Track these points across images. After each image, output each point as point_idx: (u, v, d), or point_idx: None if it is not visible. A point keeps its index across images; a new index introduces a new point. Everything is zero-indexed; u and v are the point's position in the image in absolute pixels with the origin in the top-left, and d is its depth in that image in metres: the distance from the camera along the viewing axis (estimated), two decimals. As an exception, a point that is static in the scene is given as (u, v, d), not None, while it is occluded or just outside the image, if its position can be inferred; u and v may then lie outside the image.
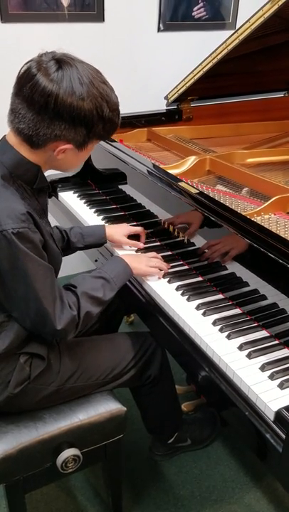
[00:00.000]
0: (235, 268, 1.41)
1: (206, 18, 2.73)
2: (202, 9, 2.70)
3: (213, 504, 1.70)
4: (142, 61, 2.67)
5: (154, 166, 1.73)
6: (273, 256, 1.19)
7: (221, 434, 1.91)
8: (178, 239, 1.63)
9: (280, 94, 2.44)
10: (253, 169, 1.81)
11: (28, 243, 1.13)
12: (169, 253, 1.64)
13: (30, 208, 1.16)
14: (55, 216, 2.19)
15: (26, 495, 1.37)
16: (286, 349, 1.21)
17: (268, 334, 1.26)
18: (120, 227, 1.69)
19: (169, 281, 1.48)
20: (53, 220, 2.12)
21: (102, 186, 2.12)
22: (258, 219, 1.44)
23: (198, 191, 1.51)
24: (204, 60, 1.95)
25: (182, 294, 1.42)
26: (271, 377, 1.12)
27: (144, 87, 2.67)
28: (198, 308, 1.36)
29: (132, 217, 1.88)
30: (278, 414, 1.05)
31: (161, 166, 1.75)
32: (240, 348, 1.21)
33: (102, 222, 1.84)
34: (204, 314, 1.34)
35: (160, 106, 2.27)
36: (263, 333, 1.26)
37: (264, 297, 1.32)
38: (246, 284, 1.37)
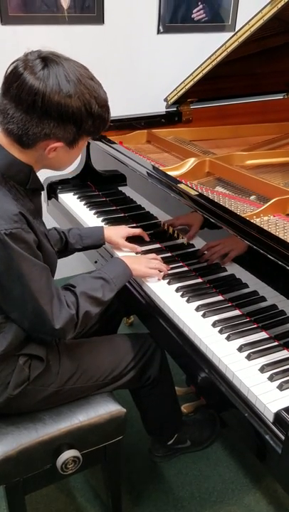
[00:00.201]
0: (234, 269, 1.41)
1: (206, 20, 2.74)
2: (201, 11, 2.71)
3: (213, 505, 1.70)
4: (142, 63, 2.68)
5: (154, 167, 1.74)
6: (273, 258, 1.19)
7: (220, 436, 1.92)
8: (178, 240, 1.63)
9: (280, 96, 2.44)
10: (252, 171, 1.81)
11: (22, 243, 1.13)
12: (169, 255, 1.64)
13: (24, 209, 1.16)
14: (55, 217, 2.20)
15: (26, 496, 1.37)
16: (285, 350, 1.21)
17: (268, 336, 1.26)
18: (119, 229, 1.69)
19: (168, 283, 1.49)
20: (52, 222, 2.13)
21: (102, 188, 2.12)
22: (257, 221, 1.44)
23: (197, 193, 1.51)
24: (204, 62, 1.96)
25: (182, 296, 1.43)
26: (270, 378, 1.13)
27: (143, 89, 2.67)
28: (197, 309, 1.37)
29: (131, 218, 1.88)
30: (277, 415, 1.05)
31: (161, 168, 1.76)
32: (240, 349, 1.21)
33: (102, 224, 1.85)
34: (204, 316, 1.34)
35: (160, 108, 2.27)
36: (263, 335, 1.26)
37: (263, 299, 1.32)
38: (246, 286, 1.38)
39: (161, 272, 1.50)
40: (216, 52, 1.89)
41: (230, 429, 1.86)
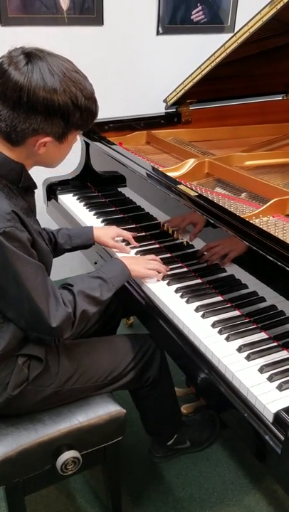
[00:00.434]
0: (234, 270, 1.41)
1: (205, 22, 2.74)
2: (201, 12, 2.71)
3: (213, 506, 1.70)
4: (141, 64, 2.68)
5: (154, 168, 1.74)
6: (272, 258, 1.19)
7: (220, 437, 1.91)
8: (177, 241, 1.64)
9: (279, 97, 2.45)
10: (251, 172, 1.82)
11: (16, 242, 1.13)
12: (168, 255, 1.64)
13: (17, 207, 1.16)
14: (55, 219, 2.20)
15: (26, 497, 1.37)
16: (285, 351, 1.21)
17: (267, 336, 1.26)
18: (108, 229, 1.70)
19: (168, 284, 1.49)
20: (52, 223, 2.13)
21: (101, 189, 2.13)
22: (256, 221, 1.44)
23: (197, 194, 1.51)
24: (203, 63, 1.96)
25: (181, 296, 1.43)
26: (270, 379, 1.13)
27: (143, 90, 2.68)
28: (197, 310, 1.37)
29: (131, 219, 1.88)
30: (277, 415, 1.05)
31: (161, 169, 1.76)
32: (240, 350, 1.21)
33: (102, 225, 1.85)
34: (203, 316, 1.34)
35: (159, 109, 2.28)
36: (262, 335, 1.27)
37: (263, 299, 1.33)
38: (245, 286, 1.38)
39: (159, 272, 1.50)
40: (215, 53, 1.89)
41: (230, 430, 1.86)
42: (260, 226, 1.38)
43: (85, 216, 1.94)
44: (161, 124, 2.25)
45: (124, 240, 1.70)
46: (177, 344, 1.33)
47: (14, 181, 1.22)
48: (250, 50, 1.93)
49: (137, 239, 1.71)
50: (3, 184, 1.19)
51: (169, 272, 1.53)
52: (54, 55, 1.15)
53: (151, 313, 1.45)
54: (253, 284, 1.35)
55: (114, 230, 1.69)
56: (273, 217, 1.49)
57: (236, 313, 1.36)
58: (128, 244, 1.70)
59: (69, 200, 2.09)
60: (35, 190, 1.33)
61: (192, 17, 2.70)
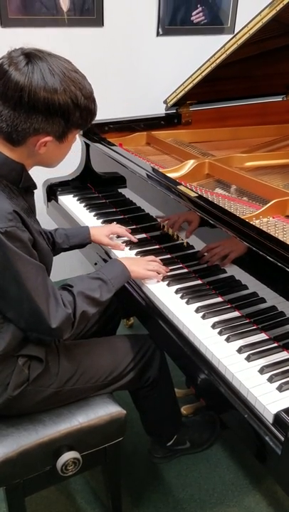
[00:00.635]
0: (234, 271, 1.41)
1: (205, 23, 2.74)
2: (201, 14, 2.71)
3: (213, 507, 1.70)
4: (141, 65, 2.68)
5: (154, 169, 1.74)
6: (272, 259, 1.19)
7: (220, 437, 1.91)
8: (177, 242, 1.64)
9: (279, 98, 2.45)
10: (251, 173, 1.82)
11: (17, 242, 1.13)
12: (169, 256, 1.64)
13: (18, 207, 1.17)
14: (55, 219, 2.20)
15: (26, 498, 1.37)
16: (285, 352, 1.22)
17: (267, 337, 1.26)
18: (103, 228, 1.72)
19: (168, 284, 1.49)
20: (52, 223, 2.13)
21: (101, 190, 2.13)
22: (256, 222, 1.44)
23: (197, 195, 1.52)
24: (203, 65, 1.96)
25: (181, 297, 1.43)
26: (270, 379, 1.13)
27: (143, 91, 2.68)
28: (197, 311, 1.37)
29: (131, 220, 1.89)
30: (277, 416, 1.05)
31: (161, 170, 1.76)
32: (240, 350, 1.21)
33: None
34: (203, 317, 1.34)
35: (159, 110, 2.28)
36: (262, 336, 1.27)
37: (263, 300, 1.33)
38: (245, 287, 1.38)
39: (159, 274, 1.50)
40: (215, 54, 1.90)
41: (230, 431, 1.86)
42: (260, 227, 1.38)
43: (86, 217, 1.94)
44: (161, 125, 2.26)
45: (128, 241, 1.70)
46: (177, 345, 1.33)
47: (15, 181, 1.22)
48: (250, 51, 1.93)
49: (136, 239, 1.71)
50: (3, 184, 1.19)
51: (169, 273, 1.53)
52: (53, 55, 1.16)
53: (152, 313, 1.45)
54: (253, 284, 1.35)
55: (108, 228, 1.71)
56: (273, 218, 1.49)
57: (236, 314, 1.36)
58: (130, 244, 1.70)
59: (69, 201, 2.09)
60: (34, 191, 1.33)
61: (192, 18, 2.71)
